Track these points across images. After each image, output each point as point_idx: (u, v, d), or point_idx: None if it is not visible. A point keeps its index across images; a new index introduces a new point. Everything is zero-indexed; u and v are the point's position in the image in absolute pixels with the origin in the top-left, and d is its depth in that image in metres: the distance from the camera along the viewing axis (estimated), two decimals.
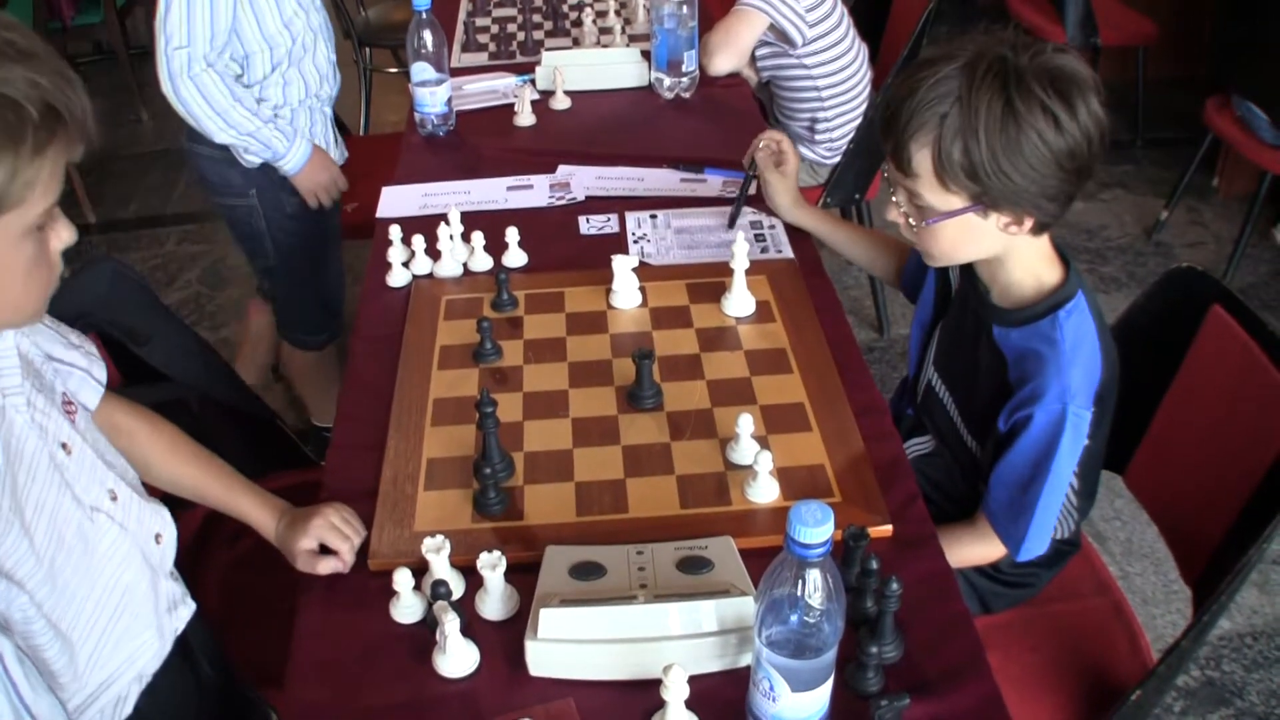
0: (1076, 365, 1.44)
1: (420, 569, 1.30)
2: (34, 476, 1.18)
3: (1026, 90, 1.33)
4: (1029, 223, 1.43)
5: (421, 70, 2.32)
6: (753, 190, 2.07)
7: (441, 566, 1.28)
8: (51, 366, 1.30)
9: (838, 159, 2.92)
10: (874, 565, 1.24)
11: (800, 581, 1.01)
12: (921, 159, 1.40)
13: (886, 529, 1.38)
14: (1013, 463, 1.49)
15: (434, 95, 2.35)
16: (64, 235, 1.12)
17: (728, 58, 2.66)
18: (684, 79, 2.55)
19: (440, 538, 1.28)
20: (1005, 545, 1.55)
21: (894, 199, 1.50)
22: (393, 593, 1.28)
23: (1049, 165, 1.36)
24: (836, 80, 2.85)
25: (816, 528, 0.97)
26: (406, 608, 1.28)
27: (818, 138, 2.92)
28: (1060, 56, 1.37)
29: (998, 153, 1.35)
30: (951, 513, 1.62)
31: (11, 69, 1.00)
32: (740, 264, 1.77)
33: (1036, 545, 1.53)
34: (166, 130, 4.74)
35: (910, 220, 1.49)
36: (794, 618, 1.03)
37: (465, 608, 1.26)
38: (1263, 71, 3.31)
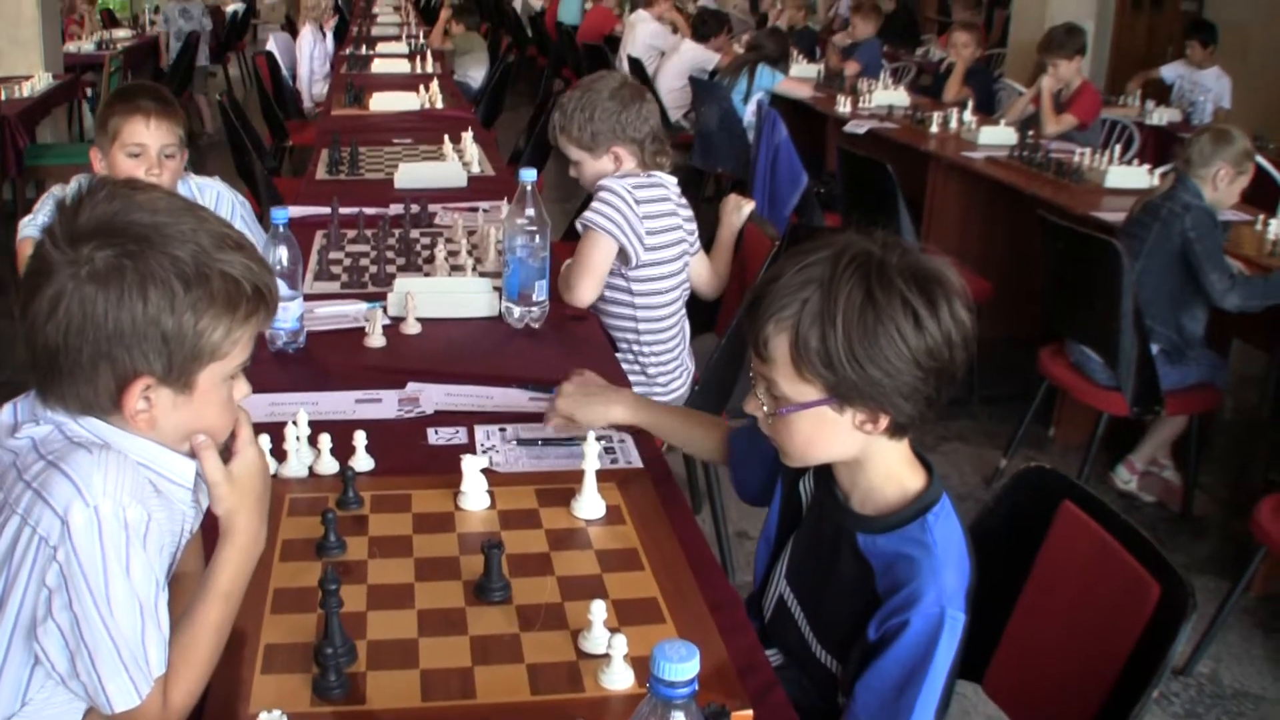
0: (949, 568, 1.43)
1: None
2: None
3: (888, 282, 1.36)
4: (884, 421, 1.43)
5: None
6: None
7: None
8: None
9: (668, 398, 2.92)
10: None
11: None
12: (779, 344, 1.42)
13: (747, 713, 1.35)
14: (885, 669, 1.43)
15: (286, 311, 2.34)
16: (242, 389, 1.40)
17: (589, 285, 2.71)
18: (534, 309, 2.60)
19: (278, 712, 1.20)
20: None
21: (755, 391, 1.52)
22: None
23: (905, 361, 1.37)
24: (653, 306, 2.85)
25: (681, 664, 0.95)
26: None
27: (650, 371, 2.91)
28: (929, 260, 1.41)
29: (854, 342, 1.36)
30: None
31: (234, 255, 1.30)
32: (591, 464, 1.78)
33: None
34: None
35: (765, 409, 1.50)
36: None
37: None
38: (1092, 315, 3.49)
